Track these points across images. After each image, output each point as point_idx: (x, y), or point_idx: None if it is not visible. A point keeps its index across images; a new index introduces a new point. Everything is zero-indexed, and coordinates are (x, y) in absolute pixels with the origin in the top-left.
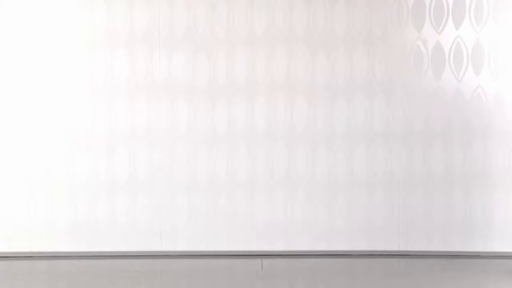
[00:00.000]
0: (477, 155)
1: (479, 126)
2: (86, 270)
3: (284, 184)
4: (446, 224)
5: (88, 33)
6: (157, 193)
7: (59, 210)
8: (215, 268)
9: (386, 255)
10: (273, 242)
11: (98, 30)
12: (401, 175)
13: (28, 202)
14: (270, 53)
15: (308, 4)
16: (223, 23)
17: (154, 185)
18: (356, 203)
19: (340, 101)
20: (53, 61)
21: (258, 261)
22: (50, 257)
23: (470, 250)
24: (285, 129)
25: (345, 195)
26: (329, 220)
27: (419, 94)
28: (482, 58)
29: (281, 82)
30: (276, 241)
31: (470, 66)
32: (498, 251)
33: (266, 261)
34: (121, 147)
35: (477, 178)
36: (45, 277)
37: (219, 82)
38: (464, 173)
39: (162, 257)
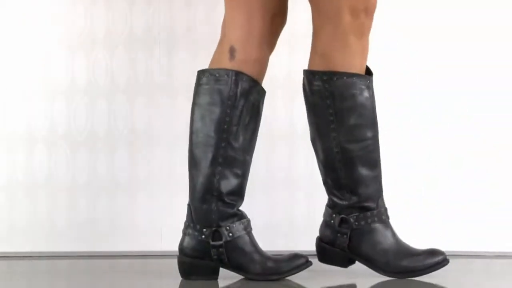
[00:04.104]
0: None
1: None
2: (86, 270)
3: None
4: None
5: (88, 32)
6: (157, 193)
7: (59, 210)
8: None
9: None
10: (274, 242)
11: (97, 29)
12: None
13: (28, 202)
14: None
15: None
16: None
17: (154, 185)
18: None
19: None
20: (52, 60)
21: None
22: (50, 257)
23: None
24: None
25: None
26: None
27: None
28: None
29: (282, 82)
30: (277, 240)
31: None
32: (498, 251)
33: None
34: (121, 147)
35: None
36: (45, 277)
37: None
38: None
39: (162, 257)
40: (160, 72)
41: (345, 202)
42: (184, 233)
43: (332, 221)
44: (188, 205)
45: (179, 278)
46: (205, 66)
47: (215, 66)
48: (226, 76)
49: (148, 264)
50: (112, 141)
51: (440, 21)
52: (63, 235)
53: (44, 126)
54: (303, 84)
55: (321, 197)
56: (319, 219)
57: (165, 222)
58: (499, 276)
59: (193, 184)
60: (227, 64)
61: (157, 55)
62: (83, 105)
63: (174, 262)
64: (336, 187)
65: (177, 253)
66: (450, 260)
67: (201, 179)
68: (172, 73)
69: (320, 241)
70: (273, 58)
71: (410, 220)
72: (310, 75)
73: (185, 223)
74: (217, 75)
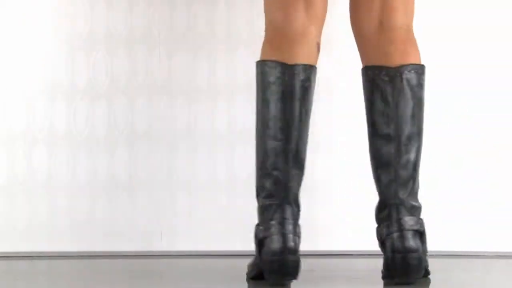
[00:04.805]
0: None
1: None
2: (86, 270)
3: None
4: None
5: (88, 32)
6: (157, 193)
7: (59, 210)
8: (216, 268)
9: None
10: None
11: (97, 29)
12: None
13: (28, 202)
14: None
15: None
16: (223, 23)
17: (154, 185)
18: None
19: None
20: (52, 60)
21: None
22: (50, 257)
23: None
24: None
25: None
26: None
27: None
28: None
29: None
30: None
31: None
32: (498, 251)
33: None
34: (121, 147)
35: None
36: (45, 277)
37: (219, 82)
38: None
39: (162, 257)
40: (160, 72)
41: (421, 205)
42: (277, 233)
43: (421, 228)
44: (278, 204)
45: (179, 278)
46: (205, 66)
47: (307, 62)
48: (314, 72)
49: (148, 264)
50: (112, 141)
51: (440, 21)
52: (63, 235)
53: (44, 126)
54: (407, 80)
55: (321, 197)
56: (319, 219)
57: (165, 222)
58: (499, 276)
59: (280, 183)
60: (316, 60)
61: (157, 55)
62: (83, 105)
63: (174, 262)
64: (417, 189)
65: (177, 253)
66: (450, 260)
67: (289, 178)
68: (172, 73)
69: (409, 252)
70: None
71: None
72: (420, 69)
73: (277, 224)
74: (309, 71)
